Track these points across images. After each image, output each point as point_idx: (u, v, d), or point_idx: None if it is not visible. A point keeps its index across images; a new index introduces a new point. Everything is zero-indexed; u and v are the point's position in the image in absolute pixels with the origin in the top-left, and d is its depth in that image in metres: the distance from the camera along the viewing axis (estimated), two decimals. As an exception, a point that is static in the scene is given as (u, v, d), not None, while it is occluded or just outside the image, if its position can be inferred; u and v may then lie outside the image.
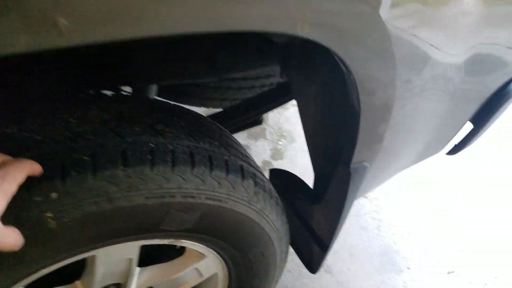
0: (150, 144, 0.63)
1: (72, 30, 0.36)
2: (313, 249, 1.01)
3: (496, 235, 1.86)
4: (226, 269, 0.90)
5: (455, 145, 1.04)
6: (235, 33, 0.43)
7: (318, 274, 1.25)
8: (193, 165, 0.66)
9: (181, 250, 0.88)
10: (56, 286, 0.80)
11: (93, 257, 0.72)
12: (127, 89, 0.89)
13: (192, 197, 0.68)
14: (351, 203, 0.86)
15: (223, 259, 0.87)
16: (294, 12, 0.45)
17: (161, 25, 0.39)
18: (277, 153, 1.97)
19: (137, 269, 0.83)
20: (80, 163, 0.59)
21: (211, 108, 1.38)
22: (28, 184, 0.53)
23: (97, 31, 0.37)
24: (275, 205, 0.84)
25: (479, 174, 2.15)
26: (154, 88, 0.93)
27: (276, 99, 1.13)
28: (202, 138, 0.70)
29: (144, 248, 0.78)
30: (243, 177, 0.74)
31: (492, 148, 2.31)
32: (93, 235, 0.65)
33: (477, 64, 0.78)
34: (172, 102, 0.77)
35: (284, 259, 0.98)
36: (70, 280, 0.81)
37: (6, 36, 0.33)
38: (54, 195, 0.58)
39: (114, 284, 0.84)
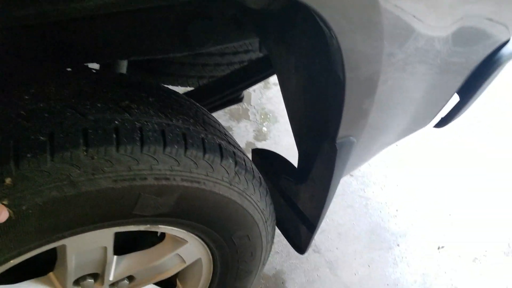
0: (114, 121, 0.58)
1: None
2: (300, 229, 0.98)
3: (486, 210, 1.87)
4: (209, 254, 0.86)
5: (442, 118, 1.02)
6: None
7: (306, 254, 1.23)
8: (165, 144, 0.60)
9: (163, 237, 0.84)
10: (29, 278, 0.76)
11: (63, 247, 0.67)
12: (93, 67, 0.83)
13: (166, 179, 0.63)
14: (338, 180, 0.83)
15: (206, 243, 0.83)
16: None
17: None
18: (260, 134, 1.93)
19: (114, 258, 0.79)
20: (36, 144, 0.53)
21: (189, 88, 1.32)
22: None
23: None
24: (258, 186, 0.79)
25: (466, 149, 2.15)
26: (123, 64, 0.86)
27: (255, 74, 1.08)
28: (174, 115, 0.65)
29: (122, 236, 0.74)
30: (222, 156, 0.69)
31: (482, 123, 2.30)
32: (59, 223, 0.60)
33: (462, 36, 0.76)
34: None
35: (271, 241, 0.95)
36: (44, 272, 0.77)
37: None
38: (8, 180, 0.52)
39: (90, 275, 0.79)
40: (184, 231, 0.77)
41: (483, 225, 1.80)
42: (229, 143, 0.73)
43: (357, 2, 0.51)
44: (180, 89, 1.04)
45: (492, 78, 0.91)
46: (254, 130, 1.93)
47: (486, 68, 0.87)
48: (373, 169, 1.93)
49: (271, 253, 1.34)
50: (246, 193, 0.75)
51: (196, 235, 0.79)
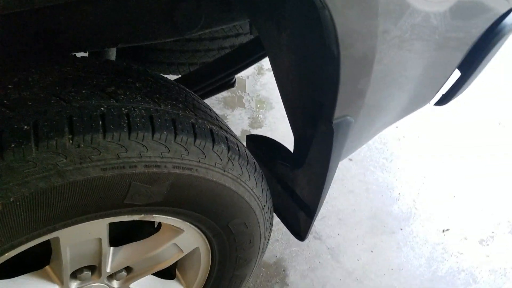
0: (100, 108, 0.56)
1: None
2: (299, 216, 0.96)
3: (491, 191, 1.84)
4: (207, 242, 0.85)
5: (443, 95, 0.99)
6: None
7: (307, 241, 1.22)
8: (153, 130, 0.59)
9: (160, 227, 0.83)
10: (25, 272, 0.75)
11: (56, 239, 0.66)
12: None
13: (157, 166, 0.61)
14: (336, 164, 0.81)
15: (203, 232, 0.82)
16: None
17: None
18: (255, 121, 1.90)
19: (110, 249, 0.78)
20: (19, 133, 0.52)
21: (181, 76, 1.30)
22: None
23: None
24: (253, 172, 0.78)
25: (469, 130, 2.11)
26: (112, 53, 0.84)
27: (245, 57, 1.05)
28: (163, 100, 0.63)
29: (119, 227, 0.73)
30: (213, 142, 0.67)
31: (486, 97, 2.26)
32: (49, 215, 0.59)
33: (460, 10, 0.74)
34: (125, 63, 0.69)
35: (269, 228, 0.94)
36: (41, 266, 0.76)
37: None
38: (-8, 172, 0.51)
39: (87, 267, 0.78)
40: (179, 220, 0.76)
41: (489, 207, 1.78)
42: (221, 128, 0.71)
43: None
44: (172, 78, 1.01)
45: (495, 51, 0.88)
46: (249, 118, 1.91)
47: (487, 41, 0.84)
48: (373, 153, 1.91)
49: (271, 241, 1.33)
50: (240, 179, 0.74)
51: (192, 223, 0.78)
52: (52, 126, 0.53)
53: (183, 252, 0.85)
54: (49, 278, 0.76)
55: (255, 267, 0.99)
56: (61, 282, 0.75)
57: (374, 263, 1.54)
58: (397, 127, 2.02)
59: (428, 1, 0.66)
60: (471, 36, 0.84)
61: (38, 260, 0.76)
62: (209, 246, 0.86)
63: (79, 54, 0.74)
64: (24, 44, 0.67)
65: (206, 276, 0.94)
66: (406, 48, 0.72)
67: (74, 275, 0.77)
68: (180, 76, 1.15)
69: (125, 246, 0.81)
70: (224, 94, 1.97)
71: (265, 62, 2.12)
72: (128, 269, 0.84)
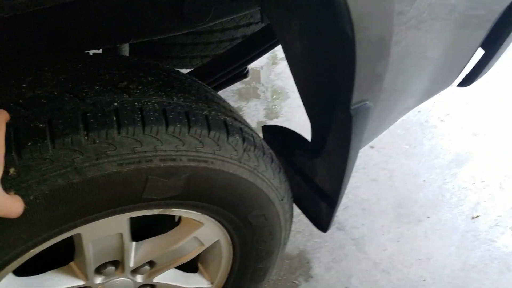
0: (114, 103, 0.56)
1: None
2: (321, 206, 0.94)
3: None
4: (227, 235, 0.85)
5: (467, 76, 0.94)
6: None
7: (330, 232, 1.19)
8: (167, 124, 0.58)
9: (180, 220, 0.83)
10: (51, 269, 0.77)
11: (78, 235, 0.67)
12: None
13: (172, 160, 0.61)
14: (356, 151, 0.78)
15: (223, 225, 0.81)
16: None
17: None
18: (271, 112, 1.87)
19: (132, 244, 0.78)
20: (35, 131, 0.52)
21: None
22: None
23: None
24: (270, 162, 0.76)
25: (496, 111, 2.01)
26: (125, 49, 0.84)
27: (257, 47, 1.03)
28: (175, 93, 0.62)
29: (140, 221, 0.73)
30: (228, 133, 0.66)
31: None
32: (69, 212, 0.59)
33: None
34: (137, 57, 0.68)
35: (290, 220, 0.92)
36: (65, 262, 0.77)
37: None
38: (12, 170, 0.52)
39: (111, 262, 0.79)
40: (198, 213, 0.75)
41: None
42: (235, 119, 0.70)
43: None
44: (185, 71, 1.01)
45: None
46: (264, 109, 1.88)
47: (511, 16, 0.79)
48: (395, 139, 1.84)
49: (293, 232, 1.31)
50: (257, 171, 0.72)
51: (211, 216, 0.77)
52: (67, 123, 0.53)
53: (204, 245, 0.85)
54: (74, 274, 0.77)
55: (277, 259, 0.98)
56: (86, 277, 0.77)
57: (401, 253, 1.49)
58: (419, 111, 1.94)
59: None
60: (493, 13, 0.80)
61: (63, 256, 0.77)
62: (229, 239, 0.86)
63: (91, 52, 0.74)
64: (37, 43, 0.68)
65: (229, 269, 0.94)
66: (424, 29, 0.68)
67: (98, 270, 0.79)
68: (192, 69, 1.14)
69: (146, 240, 0.81)
70: (238, 85, 1.95)
71: (279, 52, 2.08)
72: (151, 264, 0.85)
